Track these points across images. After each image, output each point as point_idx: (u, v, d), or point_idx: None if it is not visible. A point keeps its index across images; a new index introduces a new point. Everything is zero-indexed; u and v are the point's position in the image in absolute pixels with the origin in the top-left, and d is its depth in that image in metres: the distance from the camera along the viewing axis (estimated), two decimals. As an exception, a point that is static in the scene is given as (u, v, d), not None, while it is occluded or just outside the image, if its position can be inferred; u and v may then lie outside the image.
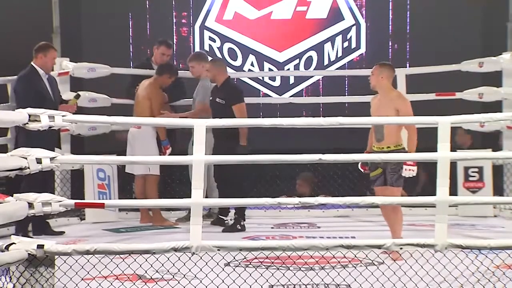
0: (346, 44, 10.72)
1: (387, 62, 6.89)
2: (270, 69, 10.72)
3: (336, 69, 10.67)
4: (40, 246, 4.90)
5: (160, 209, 8.18)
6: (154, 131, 8.14)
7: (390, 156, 6.30)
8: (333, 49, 10.73)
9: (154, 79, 8.27)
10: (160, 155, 8.04)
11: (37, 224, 7.60)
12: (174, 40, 10.67)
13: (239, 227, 7.82)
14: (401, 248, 5.19)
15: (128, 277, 5.41)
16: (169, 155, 8.05)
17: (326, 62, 10.75)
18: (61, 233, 7.75)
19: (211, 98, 8.00)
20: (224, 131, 7.31)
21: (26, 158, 5.13)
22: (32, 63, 7.54)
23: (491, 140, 9.28)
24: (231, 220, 7.98)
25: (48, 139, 6.87)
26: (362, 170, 6.76)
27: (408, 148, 6.51)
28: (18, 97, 7.46)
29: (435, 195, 5.22)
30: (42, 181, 6.83)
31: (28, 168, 5.14)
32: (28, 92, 7.35)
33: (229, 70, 10.59)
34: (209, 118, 7.86)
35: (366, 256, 6.23)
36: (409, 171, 6.39)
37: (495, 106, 8.66)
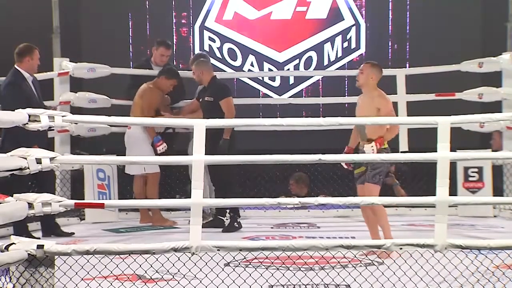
0: (346, 44, 10.72)
1: (377, 63, 6.88)
2: (269, 69, 10.72)
3: (336, 69, 10.67)
4: (40, 247, 4.90)
5: (159, 209, 8.18)
6: (144, 131, 8.11)
7: (389, 156, 6.31)
8: (332, 49, 10.72)
9: (153, 82, 8.27)
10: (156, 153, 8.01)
11: (46, 225, 7.64)
12: (174, 40, 10.67)
13: (236, 225, 7.84)
14: (401, 248, 5.19)
15: (128, 277, 5.41)
16: (163, 151, 8.00)
17: (326, 62, 10.75)
18: (71, 234, 7.73)
19: (200, 99, 8.05)
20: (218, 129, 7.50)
21: (26, 158, 5.13)
22: (16, 66, 7.46)
23: (490, 141, 9.30)
24: (227, 219, 7.99)
25: (38, 142, 6.87)
26: (346, 167, 6.75)
27: (386, 136, 6.56)
28: (5, 104, 7.29)
29: (434, 195, 5.23)
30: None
31: (28, 168, 5.14)
32: (16, 98, 7.21)
33: (228, 70, 10.67)
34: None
35: (366, 256, 6.24)
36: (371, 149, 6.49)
37: (495, 107, 8.67)
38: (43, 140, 7.12)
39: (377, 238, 6.55)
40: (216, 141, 7.61)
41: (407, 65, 10.47)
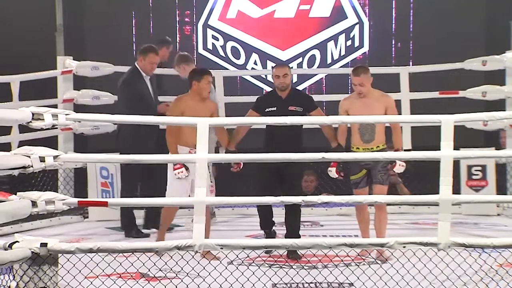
0: (349, 42, 10.72)
1: (361, 65, 6.90)
2: (273, 68, 10.70)
3: (339, 67, 10.66)
4: (44, 245, 4.91)
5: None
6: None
7: (392, 154, 6.31)
8: (336, 47, 10.72)
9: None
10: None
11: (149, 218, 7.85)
12: (177, 39, 10.67)
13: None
14: (404, 247, 5.19)
15: (131, 276, 5.42)
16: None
17: (329, 60, 10.75)
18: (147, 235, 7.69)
19: (273, 108, 6.94)
20: (299, 137, 6.90)
21: (29, 157, 5.14)
22: (135, 63, 7.63)
23: (494, 139, 9.29)
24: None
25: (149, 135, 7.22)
26: (337, 176, 6.71)
27: (397, 144, 6.62)
28: (121, 101, 7.59)
29: (438, 193, 5.22)
30: None
31: (32, 166, 5.15)
32: (132, 95, 7.43)
33: (232, 68, 10.68)
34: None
35: (369, 254, 6.24)
36: (401, 167, 6.50)
37: (499, 105, 8.66)
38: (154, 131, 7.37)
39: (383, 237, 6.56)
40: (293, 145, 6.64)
41: (411, 63, 10.47)
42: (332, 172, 6.67)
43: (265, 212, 6.94)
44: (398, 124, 6.70)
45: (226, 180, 8.23)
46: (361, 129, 6.57)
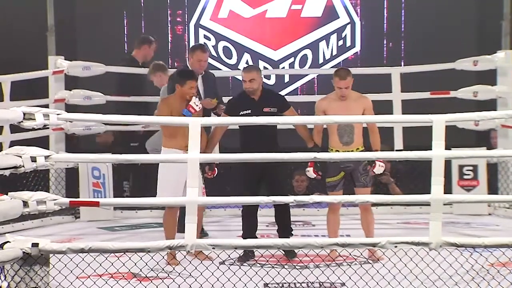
0: (341, 42, 10.73)
1: (343, 67, 6.88)
2: (265, 68, 10.71)
3: (331, 67, 10.65)
4: (35, 245, 4.90)
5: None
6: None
7: (384, 154, 6.32)
8: (328, 47, 10.73)
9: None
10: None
11: None
12: (169, 39, 10.67)
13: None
14: (396, 246, 5.20)
15: (123, 276, 5.41)
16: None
17: (321, 60, 10.76)
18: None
19: (248, 111, 6.79)
20: (275, 137, 6.86)
21: (20, 157, 5.13)
22: (187, 63, 7.70)
23: (485, 139, 9.32)
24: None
25: None
26: (315, 176, 6.72)
27: (376, 146, 6.59)
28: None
29: (429, 193, 5.23)
30: None
31: (23, 166, 5.14)
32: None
33: (224, 68, 10.68)
34: None
35: (361, 254, 6.25)
36: (381, 167, 6.47)
37: (490, 105, 8.68)
38: None
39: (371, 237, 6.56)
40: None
41: (402, 63, 10.49)
42: (310, 172, 6.68)
43: (249, 229, 6.89)
44: (375, 126, 6.66)
45: (216, 181, 8.24)
46: (339, 131, 6.53)
